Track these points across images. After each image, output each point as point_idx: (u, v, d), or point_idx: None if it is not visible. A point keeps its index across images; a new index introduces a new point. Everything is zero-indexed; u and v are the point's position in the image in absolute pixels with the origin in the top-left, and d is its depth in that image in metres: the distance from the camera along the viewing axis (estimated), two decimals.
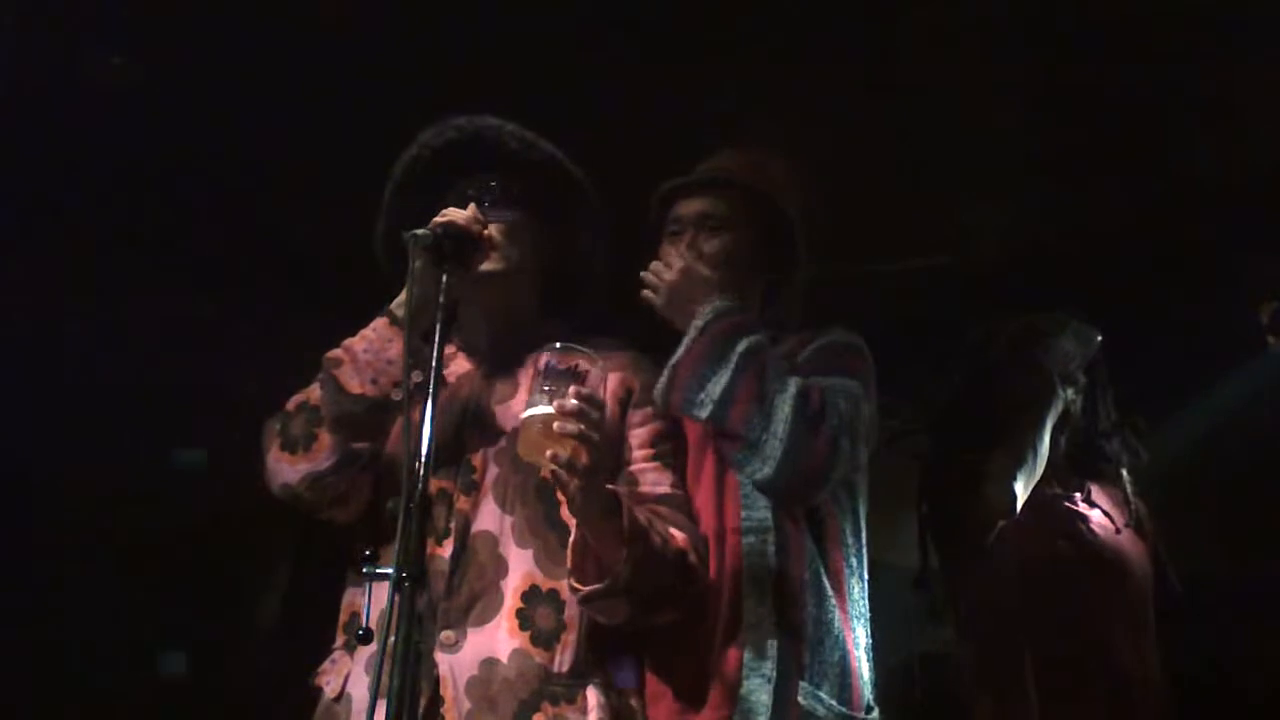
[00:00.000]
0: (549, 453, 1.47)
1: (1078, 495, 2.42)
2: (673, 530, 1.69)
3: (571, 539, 1.61)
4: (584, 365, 1.54)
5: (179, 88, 2.87)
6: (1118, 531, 2.38)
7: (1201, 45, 2.76)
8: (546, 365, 1.52)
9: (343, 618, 1.76)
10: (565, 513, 1.67)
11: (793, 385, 1.74)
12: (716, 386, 1.76)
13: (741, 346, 1.78)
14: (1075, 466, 2.47)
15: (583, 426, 1.48)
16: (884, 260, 3.61)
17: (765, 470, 1.72)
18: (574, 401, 1.48)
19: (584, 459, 1.49)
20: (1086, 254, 3.54)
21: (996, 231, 3.50)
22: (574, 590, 1.61)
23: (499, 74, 2.77)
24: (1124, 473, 2.52)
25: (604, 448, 1.55)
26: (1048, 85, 2.93)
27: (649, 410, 1.82)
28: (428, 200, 1.78)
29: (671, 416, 1.84)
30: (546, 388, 1.51)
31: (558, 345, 1.54)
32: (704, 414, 1.77)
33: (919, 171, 3.26)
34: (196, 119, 2.96)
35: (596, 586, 1.58)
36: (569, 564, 1.61)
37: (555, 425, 1.47)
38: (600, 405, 1.54)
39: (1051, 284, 3.66)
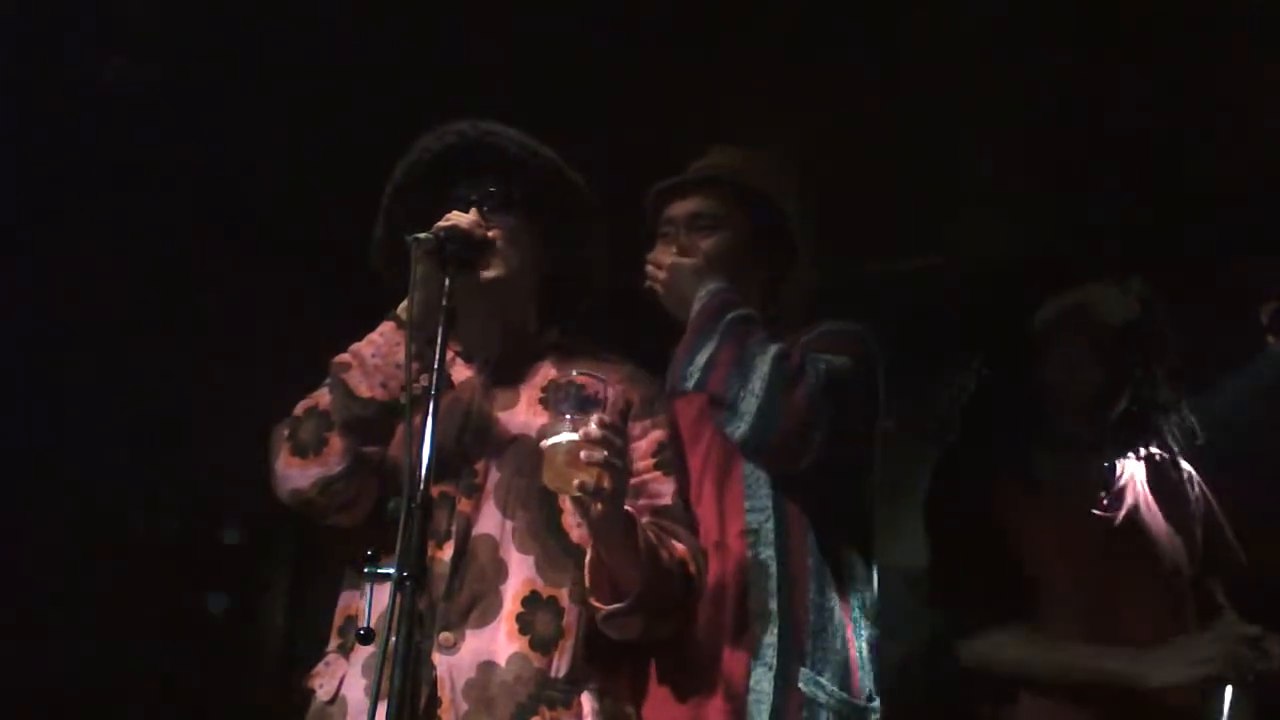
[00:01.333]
0: (576, 481, 1.50)
1: (1103, 495, 2.20)
2: (674, 543, 1.72)
3: (588, 559, 1.64)
4: (602, 390, 1.56)
5: (180, 88, 2.87)
6: (1150, 541, 2.17)
7: (1202, 45, 2.76)
8: (567, 392, 1.57)
9: (337, 620, 1.76)
10: (566, 520, 1.70)
11: (773, 348, 1.77)
12: (703, 356, 1.80)
13: (728, 317, 1.82)
14: (1121, 440, 2.26)
15: (607, 453, 1.51)
16: (885, 260, 3.61)
17: (742, 427, 1.74)
18: (598, 430, 1.51)
19: (608, 485, 1.52)
20: (1086, 254, 3.54)
21: (996, 231, 3.50)
22: (595, 610, 1.64)
23: (499, 74, 2.77)
24: (1182, 462, 2.31)
25: (626, 472, 1.58)
26: (1047, 86, 2.93)
27: (648, 422, 1.84)
28: (427, 204, 1.78)
29: (670, 425, 1.87)
30: (568, 415, 1.54)
31: (575, 372, 1.57)
32: (691, 384, 1.81)
33: (919, 171, 3.26)
34: (196, 119, 2.96)
35: (617, 606, 1.62)
36: (587, 583, 1.64)
37: (582, 454, 1.50)
38: (621, 431, 1.58)
39: (1051, 284, 3.67)
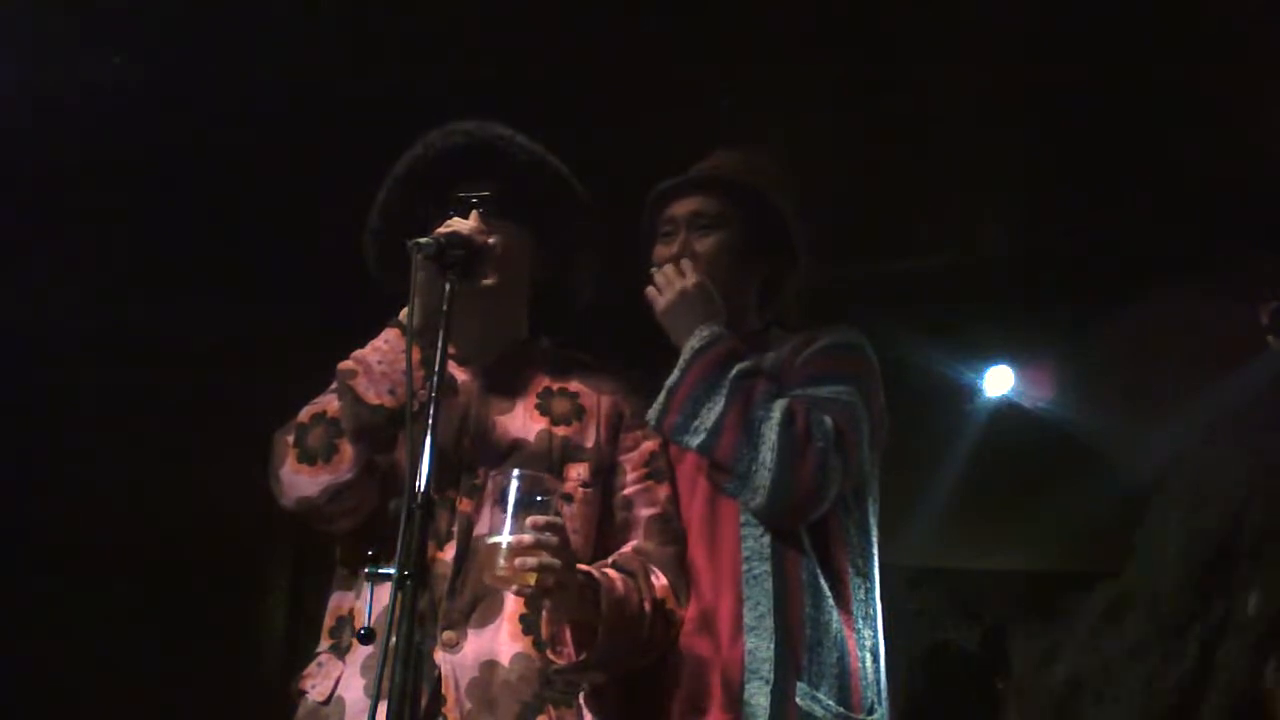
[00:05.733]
0: (513, 589, 1.51)
1: None
2: (654, 580, 1.71)
3: (544, 613, 1.63)
4: (549, 485, 1.54)
5: (180, 88, 2.87)
6: None
7: (1202, 45, 2.76)
8: (505, 489, 1.51)
9: (328, 621, 1.74)
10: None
11: (778, 411, 1.74)
12: (710, 415, 1.78)
13: (733, 373, 1.80)
14: None
15: (542, 557, 1.47)
16: (885, 260, 3.61)
17: (757, 500, 1.74)
18: (531, 535, 1.47)
19: (549, 584, 1.49)
20: (1087, 253, 3.54)
21: (997, 231, 3.51)
22: (552, 664, 1.62)
23: (497, 74, 2.77)
24: None
25: (569, 563, 1.54)
26: (1048, 85, 2.93)
27: (639, 433, 1.84)
28: (424, 199, 1.77)
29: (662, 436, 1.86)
30: (506, 513, 1.49)
31: (516, 472, 1.53)
32: (695, 442, 1.78)
33: (919, 171, 3.26)
34: (195, 119, 2.97)
35: (572, 663, 1.61)
36: (544, 635, 1.63)
37: (516, 562, 1.46)
38: (560, 528, 1.53)
39: (1052, 283, 3.68)
